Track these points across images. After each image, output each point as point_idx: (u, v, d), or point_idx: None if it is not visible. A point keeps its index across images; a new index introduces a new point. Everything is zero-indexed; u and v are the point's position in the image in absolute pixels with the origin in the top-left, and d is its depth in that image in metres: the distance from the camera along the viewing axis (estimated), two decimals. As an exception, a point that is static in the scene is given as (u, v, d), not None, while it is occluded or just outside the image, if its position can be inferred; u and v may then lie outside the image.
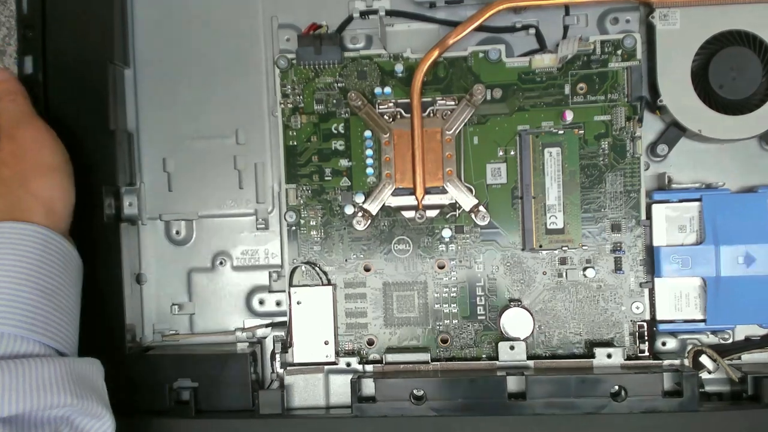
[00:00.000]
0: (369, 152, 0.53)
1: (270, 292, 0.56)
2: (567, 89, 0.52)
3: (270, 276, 0.56)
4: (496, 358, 0.53)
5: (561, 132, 0.51)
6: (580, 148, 0.51)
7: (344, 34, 0.55)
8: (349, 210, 0.53)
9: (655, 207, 0.51)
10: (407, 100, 0.52)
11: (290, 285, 0.54)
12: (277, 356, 0.55)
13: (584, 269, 0.52)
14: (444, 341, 0.54)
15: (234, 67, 0.55)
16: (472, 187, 0.53)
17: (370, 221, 0.53)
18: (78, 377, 0.44)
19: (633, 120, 0.51)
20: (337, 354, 0.54)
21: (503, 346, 0.52)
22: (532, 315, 0.52)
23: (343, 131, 0.53)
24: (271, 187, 0.56)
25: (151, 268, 0.57)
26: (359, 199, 0.53)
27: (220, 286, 0.57)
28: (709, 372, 0.52)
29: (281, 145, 0.54)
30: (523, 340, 0.53)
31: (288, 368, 0.54)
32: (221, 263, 0.56)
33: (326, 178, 0.54)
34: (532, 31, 0.53)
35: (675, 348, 0.54)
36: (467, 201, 0.52)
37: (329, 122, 0.53)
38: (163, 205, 0.56)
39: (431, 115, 0.52)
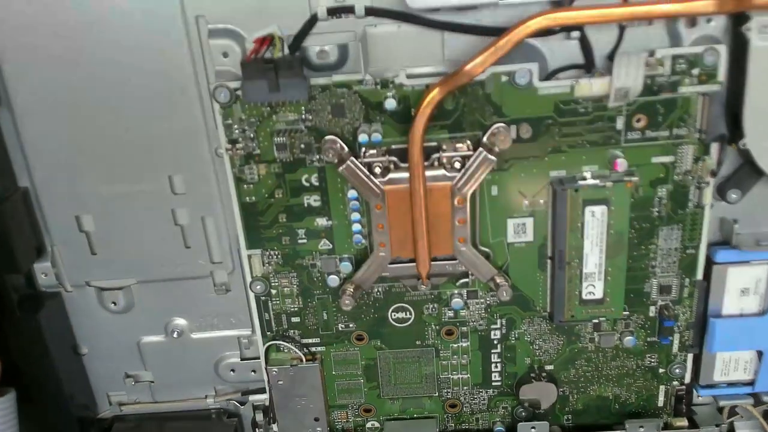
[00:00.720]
0: (355, 213, 0.40)
1: (243, 359, 0.47)
2: (619, 123, 0.38)
3: (240, 343, 0.46)
4: (514, 429, 0.46)
5: (608, 185, 0.39)
6: (631, 201, 0.39)
7: (305, 45, 0.38)
8: (333, 282, 0.42)
9: (716, 268, 0.41)
10: (403, 146, 0.38)
11: (267, 364, 0.44)
12: (261, 425, 0.47)
13: (622, 336, 0.43)
14: (453, 406, 0.46)
15: (154, 93, 0.39)
16: (489, 251, 0.41)
17: (362, 298, 0.42)
18: None
19: (703, 163, 0.39)
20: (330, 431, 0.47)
21: (523, 428, 0.45)
22: (556, 383, 0.44)
23: (317, 183, 0.40)
24: (227, 245, 0.43)
25: (90, 341, 0.46)
26: (345, 268, 0.41)
27: (179, 356, 0.46)
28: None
29: (234, 200, 0.40)
30: (543, 411, 0.45)
31: None
32: (176, 333, 0.45)
33: (300, 241, 0.41)
34: (576, 35, 0.38)
35: (709, 408, 0.47)
36: (484, 270, 0.41)
37: (297, 173, 0.39)
38: (86, 270, 0.44)
39: (436, 164, 0.38)
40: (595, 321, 0.43)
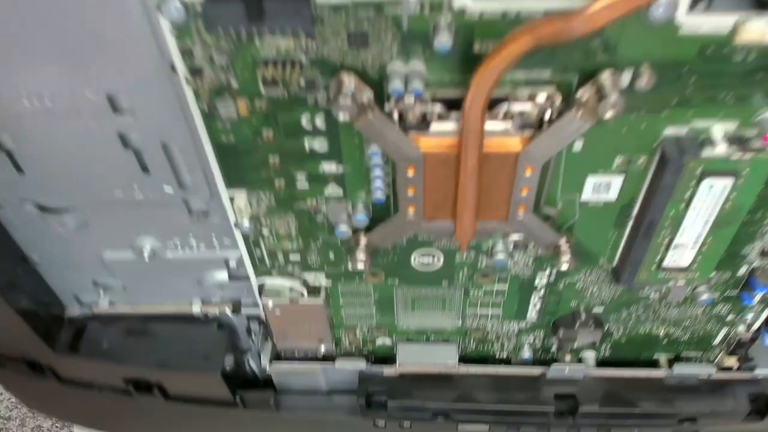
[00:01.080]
0: (375, 161, 0.28)
1: (231, 279, 0.38)
2: (779, 77, 0.25)
3: (227, 264, 0.37)
4: (546, 362, 0.40)
5: (745, 157, 0.26)
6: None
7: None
8: (343, 235, 0.32)
9: None
10: (455, 94, 0.25)
11: (261, 294, 0.36)
12: (256, 340, 0.41)
13: (696, 293, 0.35)
14: (476, 330, 0.40)
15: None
16: (553, 211, 0.30)
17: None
18: None
19: None
20: (336, 351, 0.41)
21: (557, 370, 0.39)
22: (602, 325, 0.37)
23: (323, 128, 0.27)
24: (201, 172, 0.31)
25: (42, 254, 0.37)
26: (361, 221, 0.31)
27: (153, 272, 0.38)
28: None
29: (205, 140, 0.28)
30: (584, 347, 0.39)
31: (273, 363, 0.41)
32: (146, 253, 0.36)
33: (299, 186, 0.30)
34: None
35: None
36: (544, 237, 0.31)
37: (294, 113, 0.27)
38: (18, 188, 0.33)
39: (500, 117, 0.26)
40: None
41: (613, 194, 0.30)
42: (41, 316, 0.40)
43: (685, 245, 0.31)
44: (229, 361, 0.40)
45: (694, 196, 0.28)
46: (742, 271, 0.34)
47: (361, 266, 0.31)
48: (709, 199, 0.28)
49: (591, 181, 0.29)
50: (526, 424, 0.41)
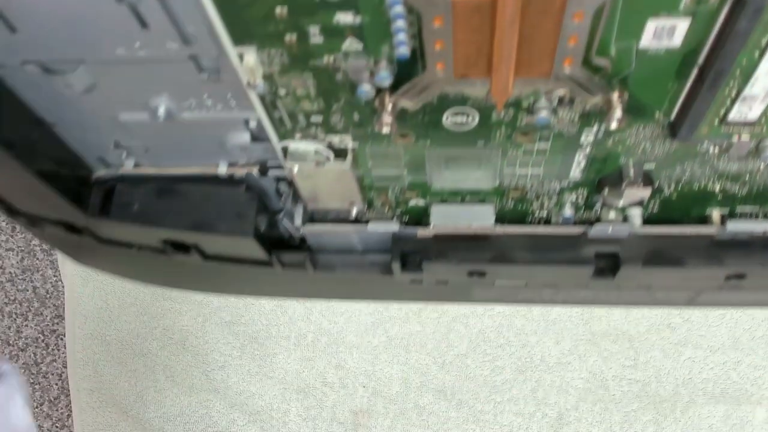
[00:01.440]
0: (398, 19, 0.24)
1: (254, 140, 0.35)
2: None
3: (247, 125, 0.34)
4: (589, 222, 0.37)
5: None
6: None
7: None
8: (366, 95, 0.28)
9: None
10: None
11: (286, 158, 0.34)
12: (286, 201, 0.39)
13: (761, 145, 0.31)
14: (515, 189, 0.37)
15: None
16: (606, 62, 0.26)
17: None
18: None
19: None
20: (368, 213, 0.39)
21: (600, 229, 0.36)
22: (652, 182, 0.34)
23: (334, -32, 0.23)
24: (206, 27, 0.28)
25: (56, 115, 0.35)
26: (384, 78, 0.27)
27: (172, 132, 0.35)
28: None
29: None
30: (631, 206, 0.36)
31: (306, 225, 0.40)
32: (161, 113, 0.33)
33: (313, 41, 0.26)
34: None
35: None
36: (593, 92, 0.27)
37: (300, -48, 0.23)
38: (15, 49, 0.30)
39: (546, -49, 0.21)
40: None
41: (677, 40, 0.25)
42: (67, 178, 0.38)
43: (755, 97, 0.27)
44: (262, 222, 0.39)
45: (774, 41, 0.24)
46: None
47: (387, 130, 0.29)
48: (792, 45, 0.24)
49: (652, 25, 0.25)
50: (564, 282, 0.40)
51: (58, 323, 0.72)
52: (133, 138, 0.37)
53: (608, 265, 0.38)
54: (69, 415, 0.63)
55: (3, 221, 0.72)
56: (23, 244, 0.71)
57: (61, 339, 0.67)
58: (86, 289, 0.62)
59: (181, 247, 0.41)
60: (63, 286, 0.64)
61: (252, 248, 0.39)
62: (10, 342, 0.73)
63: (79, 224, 0.41)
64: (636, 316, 0.56)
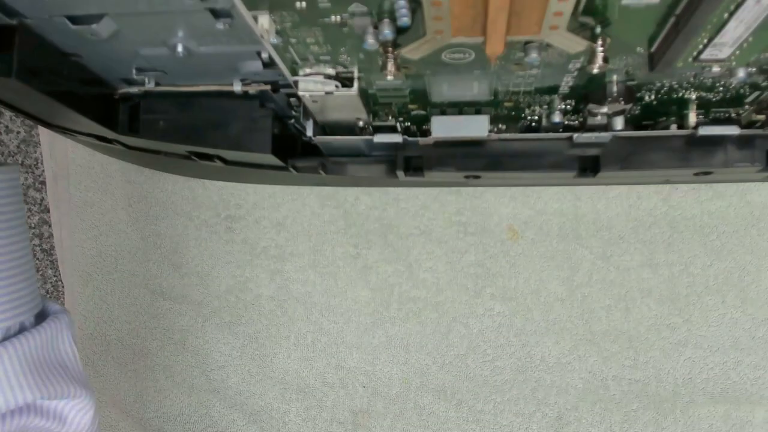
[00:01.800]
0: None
1: (266, 67, 0.37)
2: None
3: (260, 56, 0.36)
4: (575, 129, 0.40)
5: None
6: None
7: None
8: (371, 46, 0.29)
9: None
10: None
11: (297, 89, 0.35)
12: (298, 114, 0.41)
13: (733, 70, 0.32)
14: (509, 107, 0.39)
15: None
16: (589, 20, 0.27)
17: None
18: (36, 360, 0.34)
19: None
20: (374, 122, 0.41)
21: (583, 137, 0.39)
22: (633, 98, 0.36)
23: None
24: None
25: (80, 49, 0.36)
26: (387, 36, 0.28)
27: (190, 62, 0.36)
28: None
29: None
30: (614, 115, 0.38)
31: (317, 136, 0.42)
32: (180, 50, 0.34)
33: (321, 6, 0.28)
34: None
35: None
36: (578, 47, 0.28)
37: None
38: (45, 7, 0.31)
39: None
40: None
41: (660, -1, 0.27)
42: (94, 97, 0.40)
43: (724, 44, 0.28)
44: (276, 128, 0.41)
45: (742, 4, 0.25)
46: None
47: (390, 78, 0.30)
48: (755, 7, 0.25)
49: (639, -16, 0.26)
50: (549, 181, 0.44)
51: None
52: (154, 66, 0.38)
53: (590, 165, 0.41)
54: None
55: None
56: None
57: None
58: (86, 289, 0.62)
59: (205, 156, 0.44)
60: (63, 286, 0.64)
61: (270, 160, 0.42)
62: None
63: (109, 137, 0.44)
64: (636, 316, 0.56)
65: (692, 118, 0.38)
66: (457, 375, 0.57)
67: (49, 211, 0.64)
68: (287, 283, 0.59)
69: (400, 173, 0.43)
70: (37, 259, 0.72)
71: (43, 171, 0.66)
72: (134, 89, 0.40)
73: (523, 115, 0.41)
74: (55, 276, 0.66)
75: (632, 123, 0.40)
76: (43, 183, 0.66)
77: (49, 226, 0.65)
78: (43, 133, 0.64)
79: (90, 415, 0.37)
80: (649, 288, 0.56)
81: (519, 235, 0.57)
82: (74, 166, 0.62)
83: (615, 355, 0.56)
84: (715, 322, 0.55)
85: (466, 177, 0.42)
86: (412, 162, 0.42)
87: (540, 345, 0.57)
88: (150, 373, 0.60)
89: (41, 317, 0.36)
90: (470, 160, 0.41)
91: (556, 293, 0.57)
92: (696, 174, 0.40)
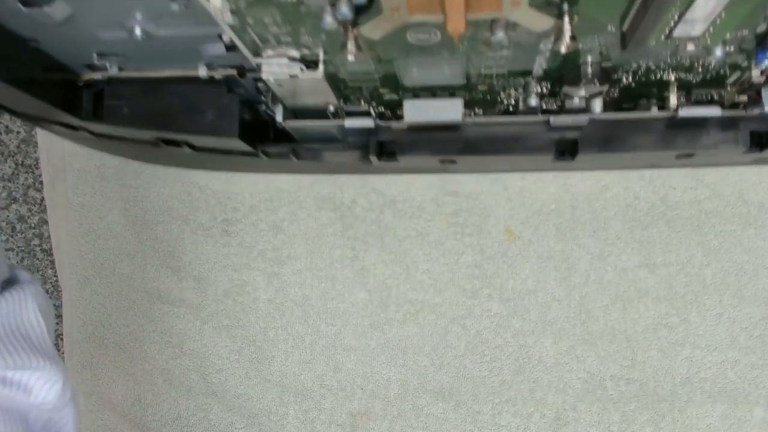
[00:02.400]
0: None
1: (229, 50, 0.36)
2: None
3: (221, 39, 0.36)
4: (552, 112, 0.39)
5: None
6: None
7: None
8: (329, 24, 0.29)
9: None
10: None
11: (261, 72, 0.35)
12: (267, 99, 0.41)
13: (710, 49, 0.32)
14: (484, 90, 0.39)
15: None
16: None
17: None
18: (2, 327, 0.33)
19: None
20: (345, 108, 0.41)
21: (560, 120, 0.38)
22: (609, 80, 0.36)
23: None
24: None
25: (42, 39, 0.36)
26: (345, 15, 0.28)
27: (152, 46, 0.36)
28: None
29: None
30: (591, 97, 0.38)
31: (287, 121, 0.41)
32: (139, 33, 0.34)
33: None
34: None
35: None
36: (542, 25, 0.28)
37: None
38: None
39: None
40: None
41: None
42: (56, 84, 0.40)
43: (696, 20, 0.28)
44: (246, 118, 0.41)
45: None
46: (762, 28, 0.31)
47: (352, 58, 0.30)
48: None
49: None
50: (527, 166, 0.44)
51: (58, 323, 0.73)
52: (115, 50, 0.38)
53: (569, 149, 0.40)
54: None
55: (3, 221, 0.73)
56: (23, 244, 0.71)
57: (62, 339, 0.67)
58: (84, 293, 0.62)
59: (172, 142, 0.43)
60: (61, 289, 0.64)
61: (238, 145, 0.41)
62: (9, 337, 0.73)
63: (75, 125, 0.44)
64: (633, 315, 0.56)
65: (673, 100, 0.37)
66: (455, 376, 0.57)
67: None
68: (285, 286, 0.59)
69: (374, 158, 0.42)
70: (37, 259, 0.73)
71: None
72: (98, 75, 0.40)
73: (498, 99, 0.40)
74: (55, 276, 0.66)
75: (612, 106, 0.39)
76: (43, 183, 0.67)
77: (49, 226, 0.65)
78: (41, 136, 0.64)
79: (57, 387, 0.35)
80: (647, 288, 0.56)
81: (516, 235, 0.57)
82: (71, 170, 0.62)
83: (612, 355, 0.56)
84: (712, 322, 0.55)
85: (442, 162, 0.41)
86: (386, 147, 0.41)
87: (538, 345, 0.57)
88: (148, 376, 0.60)
89: (7, 285, 0.36)
90: (445, 145, 0.40)
91: (554, 294, 0.57)
92: (678, 157, 0.40)
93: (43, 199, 0.64)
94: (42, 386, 0.34)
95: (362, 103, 0.40)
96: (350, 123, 0.40)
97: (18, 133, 0.73)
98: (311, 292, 0.59)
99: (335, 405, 0.58)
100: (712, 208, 0.55)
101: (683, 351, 0.55)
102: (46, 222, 0.64)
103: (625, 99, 0.39)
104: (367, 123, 0.40)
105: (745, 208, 0.55)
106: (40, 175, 0.65)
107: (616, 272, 0.56)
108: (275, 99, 0.39)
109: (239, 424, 0.59)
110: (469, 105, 0.40)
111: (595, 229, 0.56)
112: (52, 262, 0.64)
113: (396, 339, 0.58)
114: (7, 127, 0.73)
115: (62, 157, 0.63)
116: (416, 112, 0.38)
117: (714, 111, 0.37)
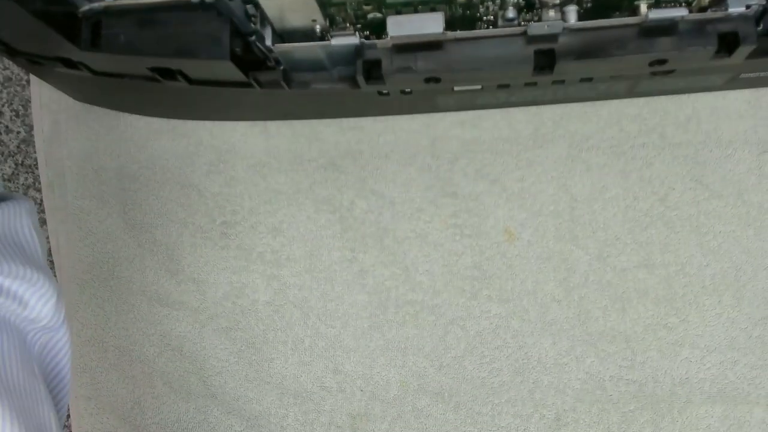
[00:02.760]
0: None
1: None
2: None
3: None
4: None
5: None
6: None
7: None
8: None
9: None
10: None
11: None
12: (256, 22, 0.42)
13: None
14: (463, 2, 0.41)
15: None
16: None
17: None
18: None
19: None
20: (331, 29, 0.42)
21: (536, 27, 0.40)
22: None
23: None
24: None
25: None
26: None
27: None
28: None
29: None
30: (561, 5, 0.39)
31: (276, 45, 0.43)
32: None
33: None
34: None
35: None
36: None
37: None
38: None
39: None
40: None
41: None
42: (57, 15, 0.41)
43: None
44: (237, 45, 0.42)
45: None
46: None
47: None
48: None
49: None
50: (510, 80, 0.46)
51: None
52: None
53: (546, 62, 0.42)
54: (69, 416, 0.62)
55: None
56: (23, 247, 0.71)
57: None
58: (83, 296, 0.62)
59: (168, 74, 0.45)
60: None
61: (230, 70, 0.42)
62: (8, 342, 0.73)
63: (74, 59, 0.45)
64: (632, 316, 0.56)
65: (643, 8, 0.40)
66: (455, 377, 0.57)
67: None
68: (284, 288, 0.59)
69: (361, 80, 0.43)
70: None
71: (41, 175, 0.65)
72: (96, 5, 0.41)
73: (478, 14, 0.42)
74: (55, 276, 0.66)
75: (586, 17, 0.41)
76: (42, 187, 0.66)
77: (48, 230, 0.65)
78: (39, 140, 0.64)
79: (52, 303, 0.34)
80: (646, 288, 0.56)
81: (515, 236, 0.57)
82: (70, 173, 0.62)
83: (612, 356, 0.56)
84: (711, 322, 0.55)
85: (427, 81, 0.43)
86: (373, 71, 0.43)
87: (537, 346, 0.57)
88: (147, 379, 0.60)
89: (2, 200, 0.35)
90: (429, 63, 0.42)
91: (553, 294, 0.57)
92: (651, 64, 0.41)
93: (43, 199, 0.64)
94: (37, 300, 0.33)
95: (348, 25, 0.42)
96: (336, 41, 0.42)
97: (18, 133, 0.73)
98: (310, 294, 0.59)
99: (335, 407, 0.58)
100: (711, 208, 0.55)
101: (682, 351, 0.55)
102: (45, 222, 0.64)
103: (599, 11, 0.42)
104: (353, 40, 0.42)
105: (744, 209, 0.55)
106: (39, 176, 0.65)
107: (616, 273, 0.56)
108: (264, 21, 0.41)
109: (239, 426, 0.59)
110: (450, 25, 0.41)
111: (594, 230, 0.56)
112: (52, 262, 0.63)
113: (395, 340, 0.58)
114: (7, 127, 0.73)
115: (61, 161, 0.63)
116: (399, 27, 0.40)
117: (682, 12, 0.39)
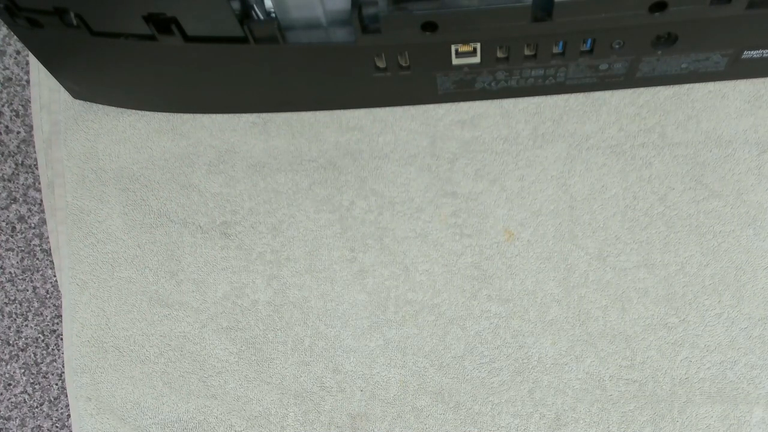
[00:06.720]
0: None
1: None
2: None
3: None
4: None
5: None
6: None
7: None
8: None
9: None
10: None
11: None
12: None
13: None
14: None
15: None
16: None
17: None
18: None
19: None
20: None
21: None
22: None
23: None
24: None
25: None
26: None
27: None
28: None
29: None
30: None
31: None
32: None
33: None
34: None
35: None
36: None
37: None
38: None
39: None
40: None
41: None
42: None
43: None
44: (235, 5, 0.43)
45: None
46: None
47: None
48: None
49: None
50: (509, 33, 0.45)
51: (58, 323, 0.73)
52: None
53: (545, 4, 0.43)
54: (69, 416, 0.62)
55: (3, 221, 0.73)
56: (23, 244, 0.71)
57: (62, 339, 0.67)
58: (83, 297, 0.62)
59: (163, 27, 0.45)
60: (62, 291, 0.64)
61: (226, 12, 0.43)
62: (10, 342, 0.73)
63: (73, 9, 0.45)
64: (632, 316, 0.56)
65: None
66: (455, 377, 0.57)
67: (47, 214, 0.64)
68: (284, 288, 0.59)
69: (358, 32, 0.44)
70: (37, 259, 0.73)
71: (41, 175, 0.65)
72: None
73: None
74: (54, 277, 0.66)
75: None
76: (41, 187, 0.66)
77: (48, 230, 0.65)
78: (38, 140, 0.64)
79: None
80: (646, 288, 0.56)
81: (515, 236, 0.57)
82: (70, 174, 0.62)
83: (612, 356, 0.56)
84: (711, 322, 0.55)
85: (423, 28, 0.43)
86: (369, 26, 0.44)
87: (537, 346, 0.57)
88: (148, 379, 0.60)
89: None
90: (426, 12, 0.42)
91: (553, 294, 0.57)
92: (651, 9, 0.42)
93: (43, 199, 0.64)
94: None
95: None
96: None
97: (18, 133, 0.73)
98: (310, 294, 0.59)
99: (335, 406, 0.58)
100: (710, 208, 0.55)
101: (682, 351, 0.55)
102: (45, 222, 0.64)
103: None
104: None
105: (744, 209, 0.55)
106: (39, 176, 0.65)
107: (615, 272, 0.56)
108: None
109: (239, 426, 0.59)
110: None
111: (594, 230, 0.56)
112: (52, 262, 0.63)
113: (395, 340, 0.58)
114: (7, 127, 0.73)
115: (61, 161, 0.63)
116: None
117: None
